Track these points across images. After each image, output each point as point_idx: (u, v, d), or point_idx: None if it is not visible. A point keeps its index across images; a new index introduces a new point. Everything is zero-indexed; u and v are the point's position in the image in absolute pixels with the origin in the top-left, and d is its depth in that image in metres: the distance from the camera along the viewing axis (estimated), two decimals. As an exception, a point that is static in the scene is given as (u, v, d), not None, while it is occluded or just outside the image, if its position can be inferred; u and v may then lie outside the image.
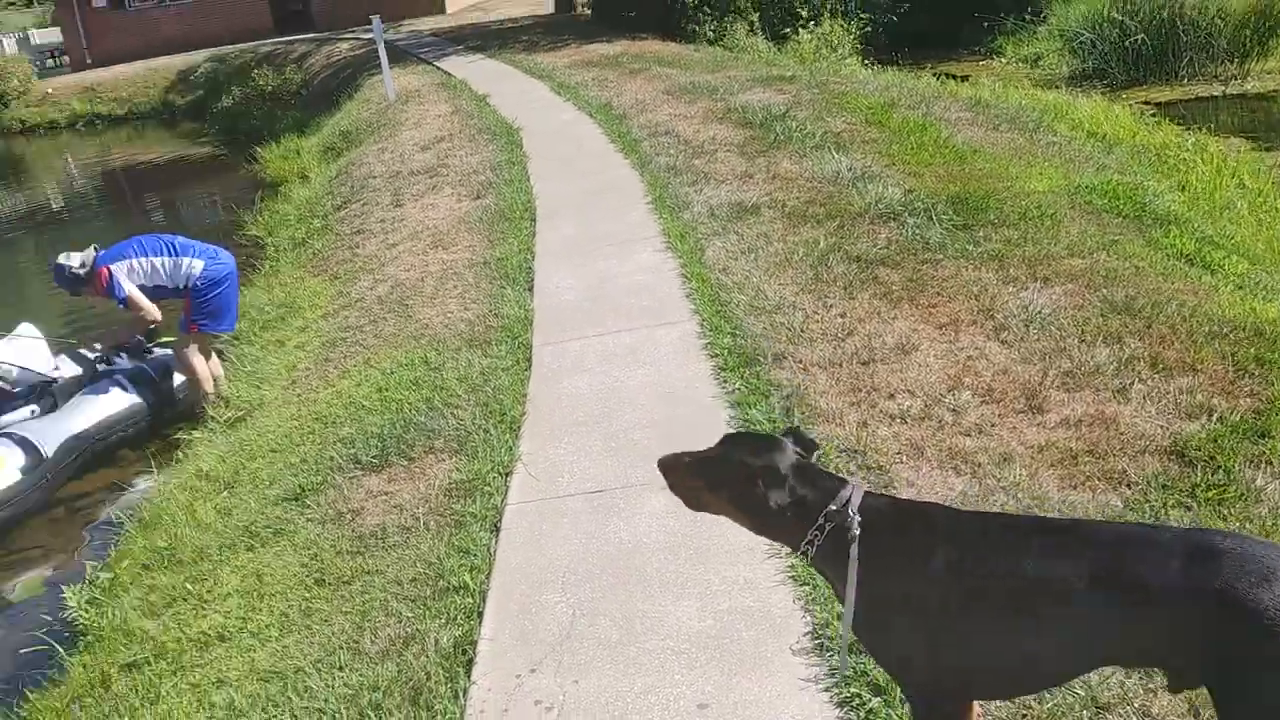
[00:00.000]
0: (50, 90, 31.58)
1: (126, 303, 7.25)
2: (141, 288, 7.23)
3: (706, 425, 4.94)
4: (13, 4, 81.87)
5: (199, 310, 7.43)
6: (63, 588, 5.31)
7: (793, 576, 3.70)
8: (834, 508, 2.34)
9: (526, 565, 4.13)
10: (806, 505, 2.38)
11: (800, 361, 5.34)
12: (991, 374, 4.93)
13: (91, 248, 7.26)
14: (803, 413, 4.79)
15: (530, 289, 7.26)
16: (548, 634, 3.69)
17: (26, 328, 7.81)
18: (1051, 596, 2.12)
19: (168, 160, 23.40)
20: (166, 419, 7.55)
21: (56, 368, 7.71)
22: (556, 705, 3.33)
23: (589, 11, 25.87)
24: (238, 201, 14.72)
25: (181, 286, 7.34)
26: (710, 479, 2.51)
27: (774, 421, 4.76)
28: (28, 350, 7.57)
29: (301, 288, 8.97)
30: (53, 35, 42.31)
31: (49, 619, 5.20)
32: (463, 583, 4.05)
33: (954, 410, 4.66)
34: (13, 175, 26.05)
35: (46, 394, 7.42)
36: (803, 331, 5.69)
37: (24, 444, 6.69)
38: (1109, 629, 2.09)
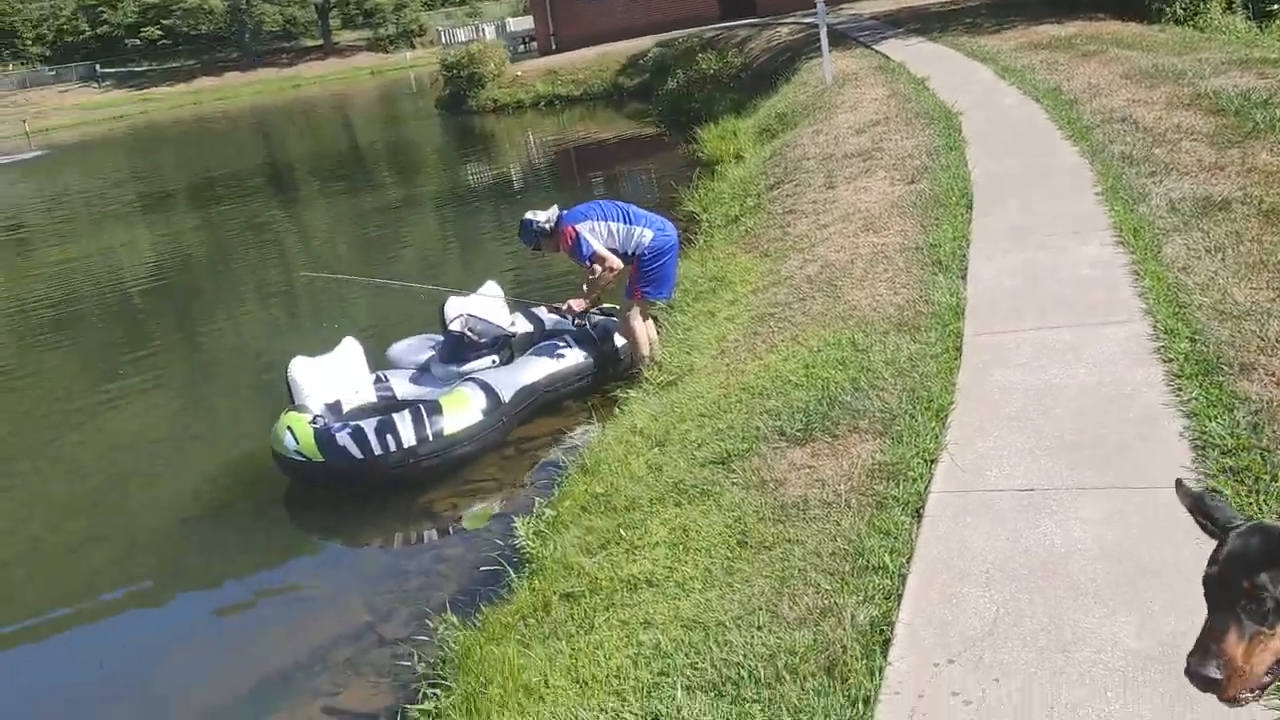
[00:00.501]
0: (520, 73, 35.03)
1: (591, 259, 7.78)
2: (602, 241, 7.82)
3: (1154, 433, 4.59)
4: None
5: (644, 277, 7.96)
6: (513, 518, 5.92)
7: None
8: None
9: (948, 555, 4.05)
10: None
11: (1273, 375, 4.79)
12: None
13: (554, 207, 7.97)
14: (1274, 431, 4.30)
15: (963, 277, 7.07)
16: (968, 628, 3.61)
17: (490, 286, 8.77)
18: None
19: (615, 138, 25.16)
20: (607, 378, 8.16)
21: (513, 324, 8.60)
22: (975, 701, 3.25)
23: (1040, -9, 24.53)
24: (676, 179, 15.55)
25: (630, 253, 7.87)
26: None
27: (1237, 438, 4.32)
28: (490, 306, 8.50)
29: (733, 263, 9.31)
30: (525, 23, 46.91)
31: (500, 544, 5.83)
32: (882, 563, 4.05)
33: None
34: (482, 149, 29.21)
35: (506, 347, 8.29)
36: (1279, 342, 5.10)
37: (486, 389, 7.51)
38: None
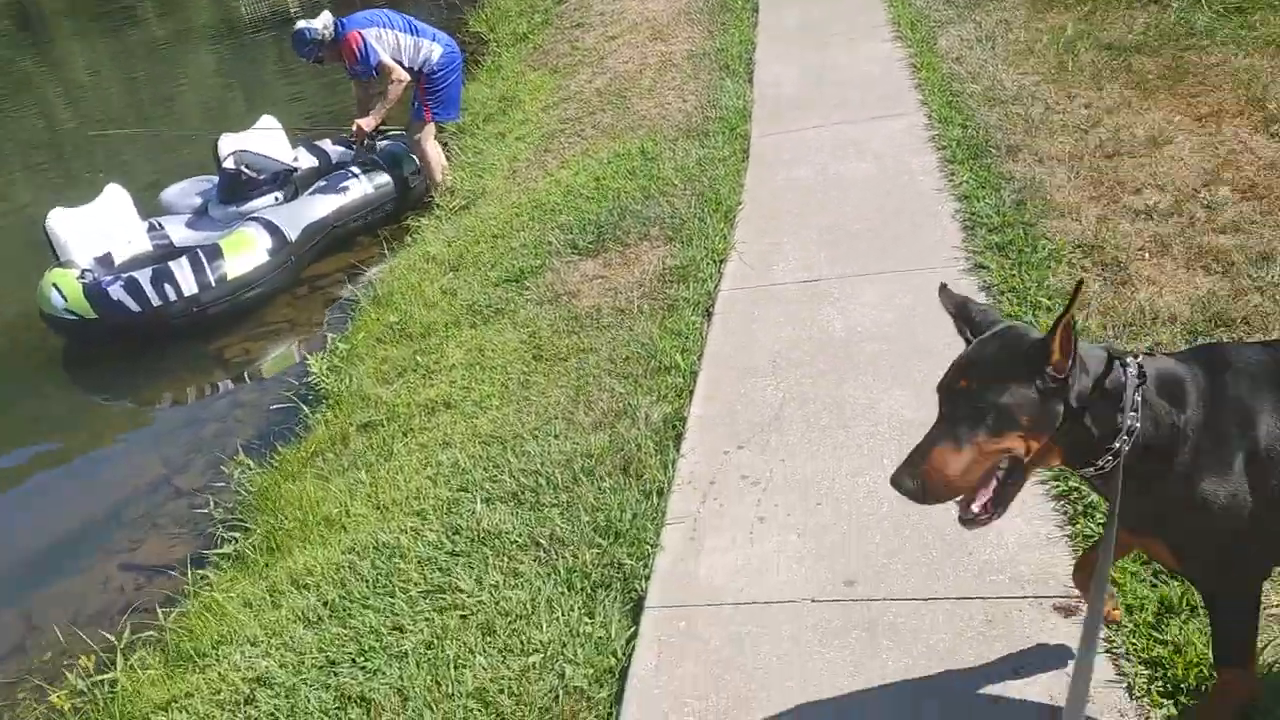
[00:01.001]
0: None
1: (378, 70, 7.15)
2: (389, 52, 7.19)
3: (930, 219, 4.73)
4: None
5: (433, 96, 7.45)
6: (307, 356, 5.71)
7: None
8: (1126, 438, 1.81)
9: (737, 349, 4.12)
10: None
11: (1037, 154, 4.99)
12: (1256, 169, 4.46)
13: (326, 13, 7.27)
14: (1037, 206, 4.49)
15: (750, 80, 7.04)
16: (756, 415, 3.71)
17: (267, 119, 8.14)
18: None
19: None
20: (399, 208, 7.80)
21: (295, 158, 8.06)
22: (763, 481, 3.36)
23: None
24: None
25: (417, 70, 7.35)
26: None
27: (1003, 215, 4.49)
28: (270, 141, 7.94)
29: (522, 81, 9.01)
30: None
31: (295, 383, 5.63)
32: (674, 363, 4.10)
33: (1208, 206, 4.26)
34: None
35: (288, 183, 7.79)
36: (1042, 123, 5.29)
37: (270, 228, 7.10)
38: None
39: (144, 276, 6.61)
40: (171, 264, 6.71)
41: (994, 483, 1.85)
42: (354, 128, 7.53)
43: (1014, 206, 4.55)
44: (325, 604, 3.42)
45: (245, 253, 6.86)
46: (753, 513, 3.24)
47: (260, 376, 6.31)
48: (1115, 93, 5.45)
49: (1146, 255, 4.02)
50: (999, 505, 1.87)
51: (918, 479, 1.83)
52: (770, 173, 5.61)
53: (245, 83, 15.60)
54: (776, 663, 2.69)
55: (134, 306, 6.54)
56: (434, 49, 7.36)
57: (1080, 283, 1.89)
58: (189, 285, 6.61)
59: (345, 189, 7.59)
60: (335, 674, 3.09)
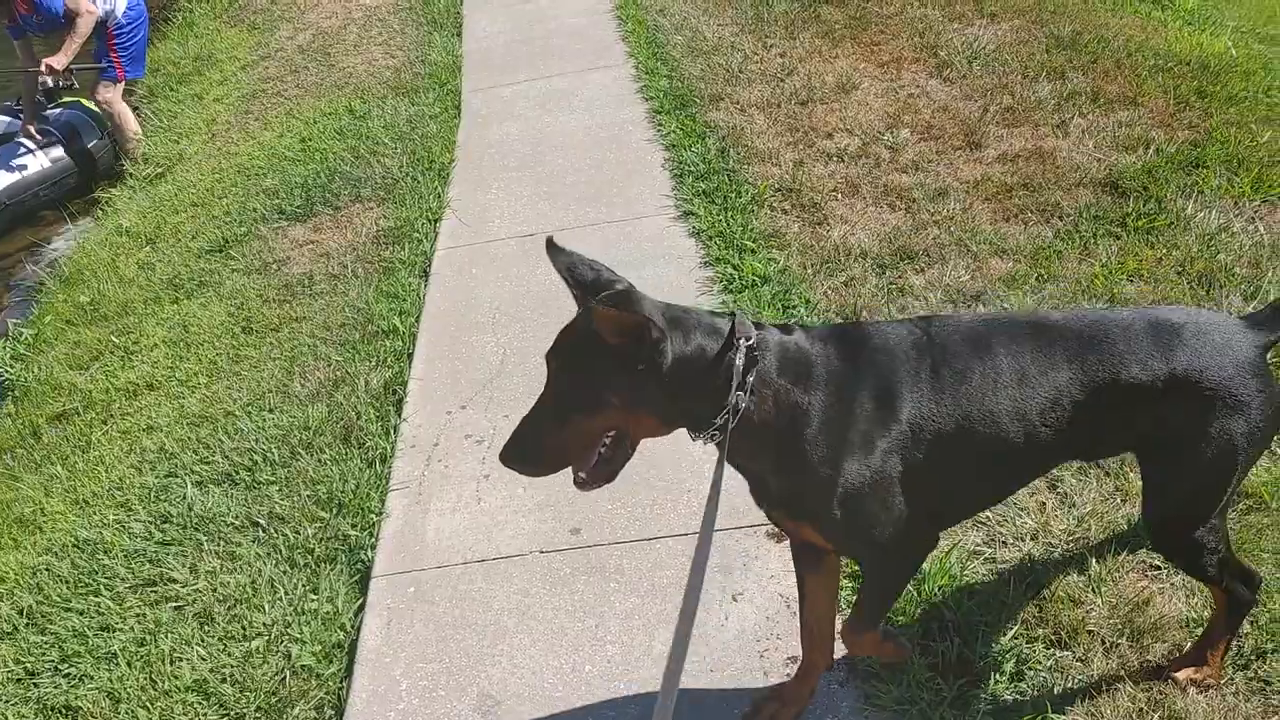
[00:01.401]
0: None
1: (65, 15, 6.47)
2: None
3: (641, 169, 4.82)
4: None
5: (123, 52, 6.87)
6: (-14, 346, 5.19)
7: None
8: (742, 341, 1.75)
9: (456, 308, 4.07)
10: (699, 376, 1.75)
11: (738, 103, 5.17)
12: (931, 111, 4.81)
13: None
14: (739, 153, 4.66)
15: (459, 34, 6.92)
16: (478, 373, 3.68)
17: None
18: (1029, 393, 1.85)
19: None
20: (80, 181, 7.15)
21: None
22: (487, 438, 3.34)
23: None
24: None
25: (105, 21, 6.72)
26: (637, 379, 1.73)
27: (709, 163, 4.64)
28: None
29: (218, 39, 8.47)
30: None
31: (-28, 377, 5.11)
32: (392, 326, 4.00)
33: (891, 148, 4.56)
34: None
35: None
36: (741, 72, 5.49)
37: None
38: (1085, 419, 1.86)
39: None
40: None
41: (599, 452, 1.81)
42: (44, 67, 6.71)
43: (718, 154, 4.71)
44: (20, 611, 3.14)
45: None
46: (478, 470, 3.22)
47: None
48: (807, 42, 5.72)
49: (839, 195, 4.26)
50: (606, 472, 1.83)
51: (525, 457, 1.81)
52: (483, 128, 5.54)
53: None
54: (508, 617, 2.70)
55: None
56: (119, 0, 6.76)
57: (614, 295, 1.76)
58: None
59: (18, 165, 6.87)
60: (35, 685, 2.85)
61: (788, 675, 2.37)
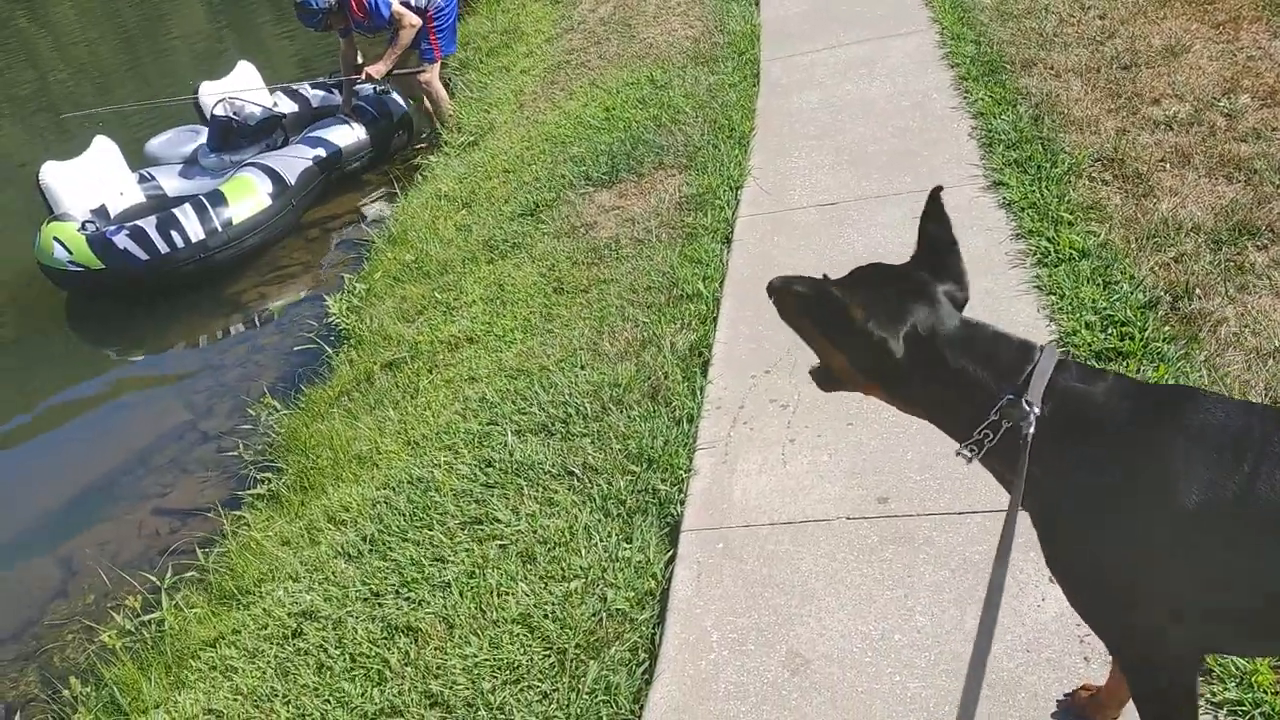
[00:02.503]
0: None
1: (391, 21, 7.00)
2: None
3: (946, 137, 4.70)
4: None
5: (441, 33, 7.34)
6: (325, 297, 5.73)
7: (1037, 286, 3.55)
8: (1009, 397, 1.59)
9: (759, 274, 4.12)
10: (969, 392, 1.64)
11: (1052, 68, 4.94)
12: (1276, 75, 4.41)
13: None
14: (1054, 120, 4.46)
15: (756, 3, 6.95)
16: (782, 340, 3.71)
17: (245, 65, 8.02)
18: None
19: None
20: (391, 152, 7.76)
21: (275, 105, 7.98)
22: (792, 404, 3.39)
23: None
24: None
25: (424, 6, 7.22)
26: (820, 325, 1.77)
27: (1020, 131, 4.47)
28: (244, 87, 7.83)
29: (524, 13, 8.90)
30: None
31: (315, 325, 5.66)
32: (696, 290, 4.10)
33: (1228, 115, 4.23)
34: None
35: (279, 129, 7.71)
36: (1056, 36, 5.23)
37: (270, 173, 7.05)
38: None
39: (149, 225, 6.60)
40: (176, 211, 6.70)
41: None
42: (363, 75, 7.39)
43: (1031, 122, 4.52)
44: (364, 539, 3.48)
45: (248, 198, 6.85)
46: (783, 435, 3.28)
47: (278, 320, 6.34)
48: (1130, 3, 5.38)
49: (1167, 166, 4.00)
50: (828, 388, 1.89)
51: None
52: (782, 97, 5.56)
53: (236, 26, 15.39)
54: (815, 580, 2.74)
55: (141, 255, 6.55)
56: None
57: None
58: (196, 232, 6.61)
59: (338, 133, 7.52)
60: (380, 605, 3.15)
61: (1109, 661, 2.29)
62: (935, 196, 1.77)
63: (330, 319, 5.49)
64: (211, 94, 7.51)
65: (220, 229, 6.66)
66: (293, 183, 7.11)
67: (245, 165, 7.19)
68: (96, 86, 13.24)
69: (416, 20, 7.11)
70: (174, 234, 6.56)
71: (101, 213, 7.04)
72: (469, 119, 7.25)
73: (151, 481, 5.07)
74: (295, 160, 7.28)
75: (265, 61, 11.78)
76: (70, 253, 6.60)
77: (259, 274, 6.89)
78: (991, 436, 1.63)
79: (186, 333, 6.52)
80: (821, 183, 4.66)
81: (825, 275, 1.75)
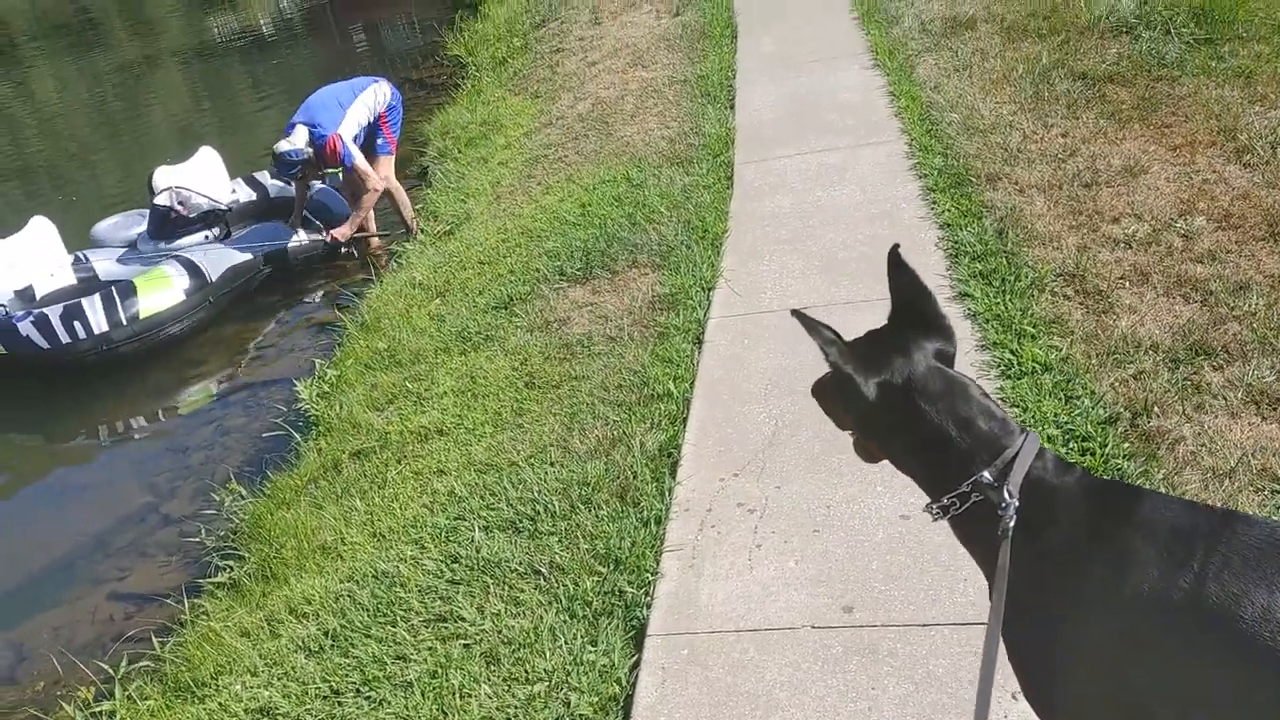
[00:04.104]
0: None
1: (353, 169, 7.22)
2: (355, 139, 7.29)
3: (914, 247, 4.82)
4: None
5: (393, 125, 7.57)
6: (295, 381, 5.72)
7: (1001, 398, 3.62)
8: (986, 475, 1.61)
9: (729, 377, 4.19)
10: (942, 450, 1.66)
11: (1016, 183, 5.10)
12: (1230, 198, 4.59)
13: (299, 129, 7.15)
14: (1018, 234, 4.60)
15: (731, 106, 7.14)
16: (750, 443, 3.77)
17: (206, 152, 8.08)
18: None
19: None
20: (329, 255, 7.79)
21: (234, 191, 8.04)
22: (759, 509, 3.42)
23: None
24: (437, 22, 14.90)
25: (380, 111, 7.44)
26: (843, 399, 1.79)
27: (985, 244, 4.60)
28: (207, 175, 7.88)
29: (503, 106, 9.07)
30: None
31: (284, 409, 5.64)
32: (667, 390, 4.15)
33: (1185, 236, 4.38)
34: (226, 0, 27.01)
35: (220, 221, 7.70)
36: (1020, 152, 5.41)
37: (190, 267, 7.05)
38: None
39: (54, 313, 6.59)
40: (84, 300, 6.69)
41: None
42: (328, 236, 7.55)
43: (995, 235, 4.66)
44: (326, 633, 3.45)
45: (160, 291, 6.84)
46: (750, 539, 3.30)
47: (245, 402, 6.30)
48: (1090, 122, 5.59)
49: (1127, 284, 4.13)
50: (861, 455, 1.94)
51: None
52: (755, 200, 5.69)
53: (214, 102, 15.58)
54: (780, 690, 2.74)
55: (43, 343, 6.54)
56: (382, 88, 7.49)
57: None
58: (99, 323, 6.60)
59: (275, 235, 7.58)
60: (340, 704, 3.11)
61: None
62: (895, 253, 1.82)
63: (300, 404, 5.48)
64: (164, 179, 7.52)
65: (125, 322, 6.63)
66: (214, 279, 7.08)
67: (168, 258, 7.17)
68: (73, 161, 13.28)
69: (379, 184, 7.35)
70: (77, 324, 6.53)
71: (27, 294, 7.00)
72: (445, 208, 7.34)
73: (109, 565, 4.99)
74: (224, 256, 7.27)
75: (242, 141, 11.94)
76: None
77: (228, 354, 6.87)
78: (959, 505, 1.66)
79: (150, 411, 6.47)
80: (792, 287, 4.76)
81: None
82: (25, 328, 6.53)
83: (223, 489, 4.97)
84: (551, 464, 3.93)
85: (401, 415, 4.77)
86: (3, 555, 5.37)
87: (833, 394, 1.87)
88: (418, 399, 4.85)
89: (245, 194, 8.11)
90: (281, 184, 8.10)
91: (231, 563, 4.40)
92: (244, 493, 4.85)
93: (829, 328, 1.78)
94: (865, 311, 4.38)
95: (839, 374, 1.73)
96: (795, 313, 1.84)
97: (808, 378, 3.95)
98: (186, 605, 4.15)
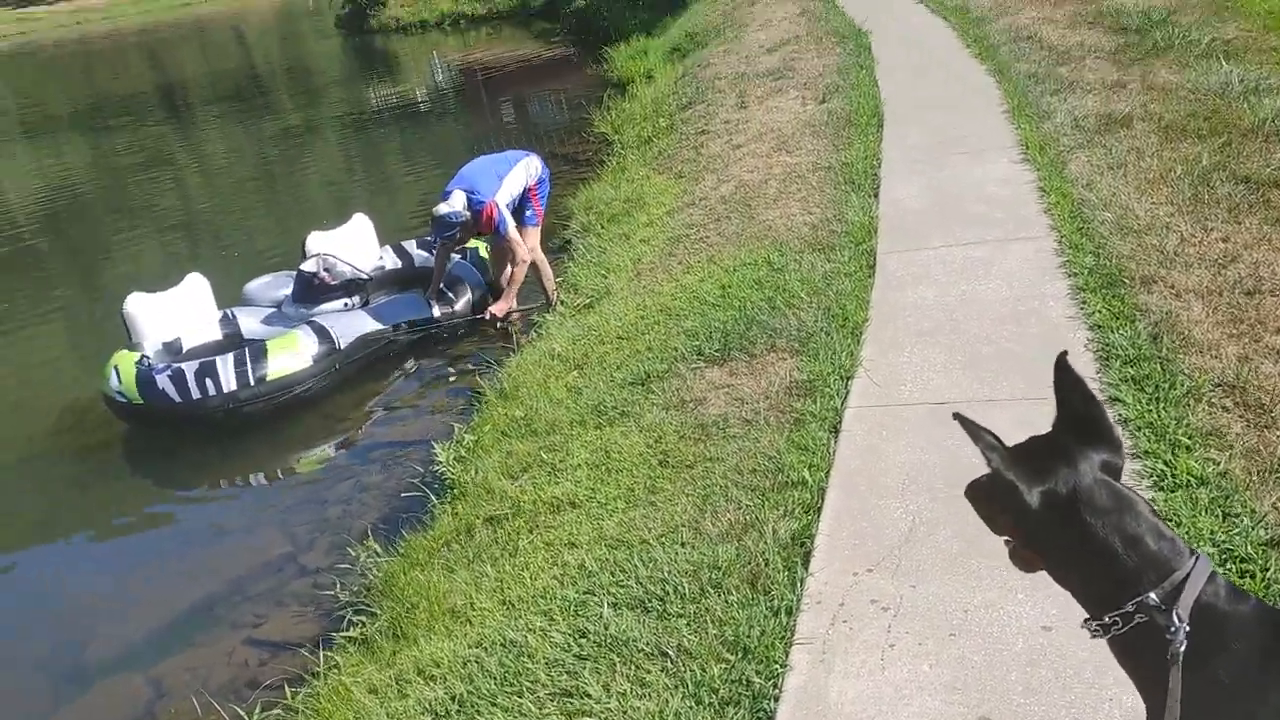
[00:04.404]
0: (422, -10, 34.03)
1: (505, 237, 7.57)
2: (509, 204, 7.69)
3: (1060, 345, 4.71)
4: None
5: (542, 198, 8.00)
6: (433, 444, 5.88)
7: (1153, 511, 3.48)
8: (1153, 597, 1.57)
9: (865, 468, 4.15)
10: (1107, 566, 1.62)
11: (1172, 287, 4.96)
12: (1406, 315, 4.37)
13: (457, 193, 7.51)
14: (1173, 340, 4.46)
15: (875, 195, 7.14)
16: (886, 537, 3.71)
17: (360, 219, 8.52)
18: None
19: (522, 59, 24.66)
20: (468, 330, 8.06)
21: (381, 258, 8.40)
22: (893, 607, 3.35)
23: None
24: (585, 100, 15.37)
25: (532, 186, 7.86)
26: (1003, 504, 1.76)
27: (1138, 348, 4.47)
28: (358, 241, 8.28)
29: (647, 184, 9.26)
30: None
31: (420, 470, 5.80)
32: (801, 478, 4.13)
33: (1357, 352, 4.18)
34: (385, 70, 28.42)
35: (361, 290, 8.07)
36: (1176, 255, 5.26)
37: (320, 333, 7.36)
38: None
39: (190, 369, 6.94)
40: (217, 359, 7.04)
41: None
42: (487, 314, 7.86)
43: (1150, 340, 4.52)
44: (453, 698, 3.50)
45: (289, 355, 7.14)
46: (884, 638, 3.24)
47: (384, 459, 6.50)
48: (1254, 228, 5.41)
49: (1292, 400, 3.96)
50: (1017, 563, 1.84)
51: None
52: (897, 290, 5.66)
53: (368, 168, 16.30)
54: (910, 798, 2.67)
55: (175, 397, 6.87)
56: (533, 162, 7.90)
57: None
58: (229, 382, 6.92)
59: (410, 307, 7.87)
60: (464, 771, 3.14)
61: None
62: (1062, 359, 1.78)
63: (436, 466, 5.63)
64: (316, 244, 7.92)
65: (253, 382, 6.96)
66: (343, 346, 7.39)
67: (303, 322, 7.51)
68: (231, 219, 14.03)
69: (527, 256, 7.69)
70: (208, 381, 6.88)
71: (174, 346, 7.41)
72: (586, 281, 7.50)
73: (247, 610, 5.18)
74: (356, 324, 7.57)
75: (391, 208, 12.46)
76: (120, 382, 6.97)
77: (369, 412, 7.12)
78: (1121, 625, 1.61)
79: (293, 463, 6.73)
80: (933, 381, 4.70)
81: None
82: (162, 380, 6.90)
83: (359, 544, 5.12)
84: (682, 544, 3.94)
85: (535, 484, 4.84)
86: (148, 594, 5.62)
87: (991, 499, 1.84)
88: (552, 469, 4.93)
89: (391, 261, 8.49)
90: (426, 254, 8.43)
91: (364, 618, 4.51)
92: (379, 550, 4.98)
93: (990, 432, 1.76)
94: (1008, 410, 4.30)
95: (1001, 481, 1.71)
96: (958, 416, 1.82)
97: (947, 475, 3.92)
98: (320, 657, 4.26)
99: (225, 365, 6.96)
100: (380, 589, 4.67)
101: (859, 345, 5.13)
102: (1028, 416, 4.21)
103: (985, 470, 1.77)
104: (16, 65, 47.73)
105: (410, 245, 8.73)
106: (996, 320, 5.11)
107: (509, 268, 7.80)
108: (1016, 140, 7.59)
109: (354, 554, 5.10)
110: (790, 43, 12.65)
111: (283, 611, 5.10)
